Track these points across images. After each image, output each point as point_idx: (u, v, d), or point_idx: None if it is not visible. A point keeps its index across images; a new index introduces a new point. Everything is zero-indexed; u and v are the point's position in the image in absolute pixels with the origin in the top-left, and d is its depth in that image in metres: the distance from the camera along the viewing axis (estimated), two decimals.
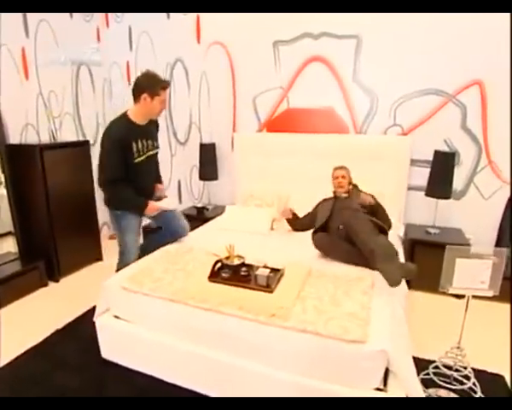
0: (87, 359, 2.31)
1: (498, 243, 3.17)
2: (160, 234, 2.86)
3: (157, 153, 2.64)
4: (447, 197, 3.14)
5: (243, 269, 2.15)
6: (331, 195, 3.26)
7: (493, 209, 3.24)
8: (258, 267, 2.12)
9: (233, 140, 3.93)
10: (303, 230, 3.14)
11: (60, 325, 2.68)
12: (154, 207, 2.54)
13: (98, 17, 4.21)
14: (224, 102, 3.93)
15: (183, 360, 2.03)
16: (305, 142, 3.60)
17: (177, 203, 3.38)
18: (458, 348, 1.90)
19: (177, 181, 4.41)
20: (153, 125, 2.61)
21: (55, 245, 3.40)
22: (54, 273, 3.42)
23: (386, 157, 3.37)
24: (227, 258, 2.25)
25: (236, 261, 2.21)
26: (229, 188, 4.08)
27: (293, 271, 2.21)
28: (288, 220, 3.22)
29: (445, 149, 3.27)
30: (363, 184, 3.23)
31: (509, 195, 3.13)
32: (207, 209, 4.00)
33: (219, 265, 2.22)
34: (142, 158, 2.42)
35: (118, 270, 2.54)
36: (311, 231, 2.83)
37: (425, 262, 3.04)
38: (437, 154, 3.16)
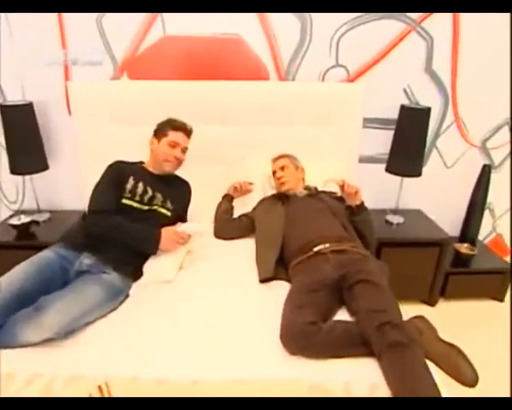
0: None
1: (467, 221, 2.44)
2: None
3: (166, 216, 1.75)
4: (417, 174, 2.19)
5: None
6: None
7: (457, 180, 2.43)
8: None
9: (68, 96, 2.15)
10: (231, 237, 1.97)
11: None
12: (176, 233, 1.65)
13: None
14: (42, 25, 2.03)
15: None
16: (196, 95, 2.11)
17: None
18: None
19: None
20: (177, 185, 1.91)
21: None
22: None
23: (326, 116, 2.18)
24: None
25: None
26: (72, 181, 2.32)
27: None
28: (218, 218, 2.01)
29: (405, 101, 2.29)
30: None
31: (475, 160, 2.36)
32: (38, 223, 2.19)
33: None
34: (133, 203, 1.67)
35: None
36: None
37: (395, 265, 2.11)
38: (404, 111, 2.12)
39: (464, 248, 2.34)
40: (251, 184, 2.12)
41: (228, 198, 2.09)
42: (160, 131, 1.81)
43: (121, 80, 2.19)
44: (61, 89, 2.17)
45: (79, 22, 2.04)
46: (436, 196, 2.48)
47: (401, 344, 1.12)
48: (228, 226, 1.98)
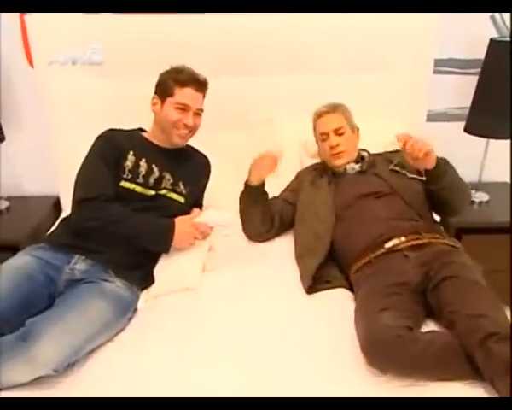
0: None
1: None
2: None
3: (179, 202, 1.53)
4: (507, 136, 1.83)
5: None
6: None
7: None
8: None
9: (27, 37, 1.77)
10: (275, 234, 1.62)
11: None
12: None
13: None
14: None
15: None
16: (200, 34, 1.79)
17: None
18: None
19: None
20: (191, 160, 1.64)
21: None
22: None
23: (382, 57, 1.90)
24: None
25: None
26: (37, 156, 1.97)
27: None
28: (254, 228, 1.59)
29: (493, 33, 1.90)
30: None
31: None
32: None
33: None
34: (136, 187, 1.46)
35: None
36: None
37: (477, 258, 1.67)
38: (495, 47, 1.72)
39: None
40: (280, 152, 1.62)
41: (259, 190, 1.52)
42: (163, 88, 1.48)
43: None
44: (15, 27, 1.77)
45: None
46: None
47: None
48: (270, 232, 1.59)
